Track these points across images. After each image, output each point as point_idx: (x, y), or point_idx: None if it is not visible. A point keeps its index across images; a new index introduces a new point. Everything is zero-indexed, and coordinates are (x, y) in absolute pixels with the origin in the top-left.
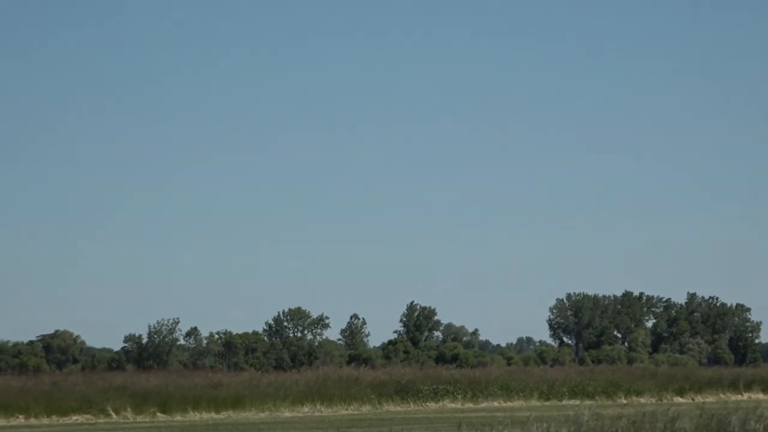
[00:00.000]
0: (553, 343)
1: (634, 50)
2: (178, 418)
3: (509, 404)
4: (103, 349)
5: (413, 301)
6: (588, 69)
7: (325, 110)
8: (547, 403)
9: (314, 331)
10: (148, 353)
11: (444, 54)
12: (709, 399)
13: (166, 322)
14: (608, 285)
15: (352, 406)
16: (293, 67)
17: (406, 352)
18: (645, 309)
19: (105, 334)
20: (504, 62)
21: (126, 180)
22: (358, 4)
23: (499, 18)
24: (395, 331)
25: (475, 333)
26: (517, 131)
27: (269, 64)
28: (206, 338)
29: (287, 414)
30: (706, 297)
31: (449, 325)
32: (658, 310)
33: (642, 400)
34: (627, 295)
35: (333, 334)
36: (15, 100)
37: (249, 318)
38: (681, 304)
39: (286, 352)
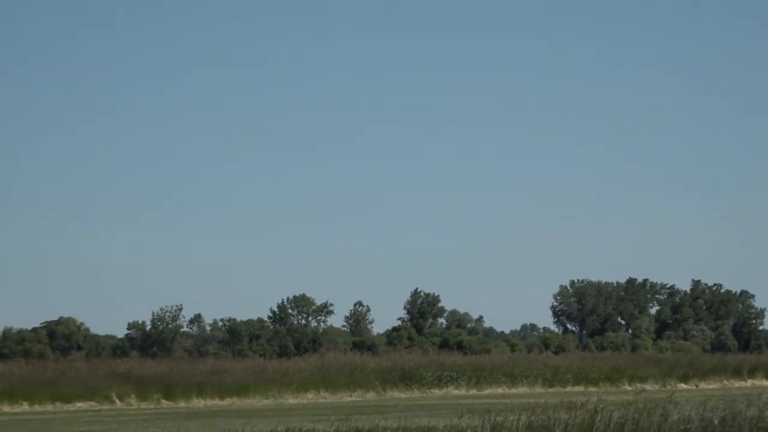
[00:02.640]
0: (556, 330)
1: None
2: (182, 404)
3: (513, 391)
4: (107, 336)
5: (417, 288)
6: (585, 59)
7: (329, 98)
8: (550, 390)
9: (318, 318)
10: (152, 340)
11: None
12: (713, 386)
13: (169, 308)
14: (612, 272)
15: (356, 393)
16: (297, 61)
17: (410, 338)
18: (649, 296)
19: (109, 321)
20: (506, 53)
21: (128, 169)
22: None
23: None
24: (399, 318)
25: (479, 320)
26: (517, 117)
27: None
28: (210, 325)
29: (291, 401)
30: (710, 284)
31: (453, 312)
32: (662, 297)
33: (646, 387)
34: (631, 281)
35: (337, 321)
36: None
37: (253, 305)
38: (685, 291)
39: (290, 339)
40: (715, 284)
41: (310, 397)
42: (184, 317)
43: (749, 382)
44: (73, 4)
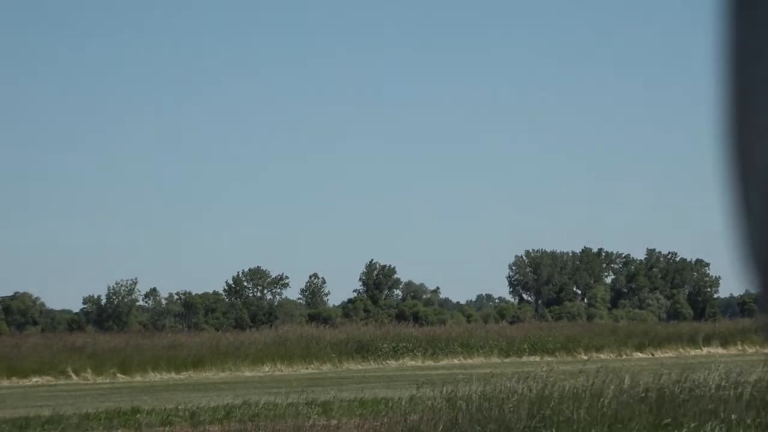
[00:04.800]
0: (512, 300)
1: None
2: (138, 378)
3: (469, 361)
4: (63, 311)
5: (372, 260)
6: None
7: (269, 73)
8: (507, 360)
9: (274, 290)
10: (108, 314)
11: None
12: (669, 354)
13: (124, 282)
14: (567, 241)
15: (312, 365)
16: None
17: (366, 310)
18: (604, 265)
19: (64, 296)
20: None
21: (79, 140)
22: None
23: None
24: (355, 290)
25: (435, 291)
26: (476, 85)
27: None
28: (165, 299)
29: (247, 373)
30: (665, 252)
31: (409, 283)
32: (617, 266)
33: (602, 356)
34: (586, 251)
35: (292, 293)
36: None
37: (208, 278)
38: (640, 260)
39: (245, 312)
40: (669, 253)
41: (266, 369)
42: (139, 291)
43: (704, 350)
44: None
